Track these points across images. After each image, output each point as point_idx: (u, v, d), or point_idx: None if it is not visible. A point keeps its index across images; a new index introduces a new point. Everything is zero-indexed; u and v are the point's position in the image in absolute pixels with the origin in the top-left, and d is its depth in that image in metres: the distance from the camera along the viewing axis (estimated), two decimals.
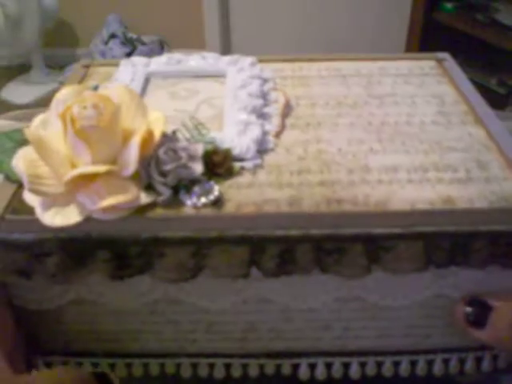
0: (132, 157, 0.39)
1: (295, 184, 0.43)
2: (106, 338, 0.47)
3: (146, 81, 0.55)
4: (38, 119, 0.44)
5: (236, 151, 0.44)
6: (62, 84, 2.22)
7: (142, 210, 0.40)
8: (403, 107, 0.52)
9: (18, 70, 2.42)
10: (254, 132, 0.46)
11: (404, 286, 0.44)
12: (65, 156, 0.41)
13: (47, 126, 0.43)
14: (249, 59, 0.56)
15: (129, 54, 2.31)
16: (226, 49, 2.55)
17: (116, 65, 0.58)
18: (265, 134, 0.47)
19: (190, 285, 0.43)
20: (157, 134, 0.41)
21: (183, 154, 0.41)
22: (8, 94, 2.30)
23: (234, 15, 2.60)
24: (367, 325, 0.47)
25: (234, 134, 0.46)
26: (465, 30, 2.08)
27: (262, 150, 0.46)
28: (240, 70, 0.54)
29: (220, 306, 0.45)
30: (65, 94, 0.43)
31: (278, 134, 0.48)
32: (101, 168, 0.39)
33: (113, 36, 2.36)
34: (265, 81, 0.54)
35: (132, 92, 0.43)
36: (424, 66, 0.59)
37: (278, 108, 0.51)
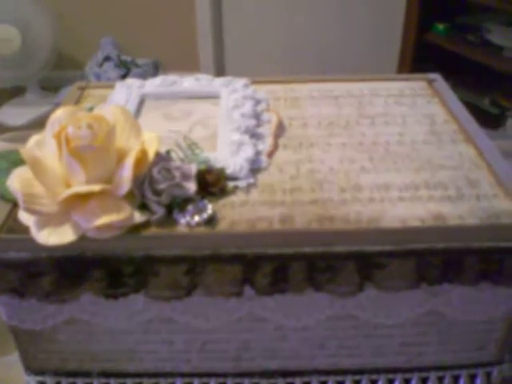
0: (126, 176, 0.40)
1: (288, 202, 0.43)
2: (101, 357, 0.47)
3: (141, 102, 0.56)
4: (34, 139, 0.44)
5: (229, 170, 0.45)
6: (56, 106, 2.22)
7: (136, 228, 0.41)
8: (394, 127, 0.53)
9: (13, 91, 2.41)
10: (247, 152, 0.46)
11: (397, 304, 0.45)
12: (60, 176, 0.41)
13: (42, 147, 0.43)
14: (242, 81, 0.57)
15: (123, 77, 2.32)
16: (219, 71, 2.56)
17: (111, 87, 0.59)
18: (258, 153, 0.48)
19: (183, 304, 0.43)
20: (151, 154, 0.41)
21: (177, 174, 0.41)
22: (2, 115, 2.30)
23: (228, 37, 2.61)
24: (361, 343, 0.47)
25: (228, 154, 0.46)
26: (457, 51, 2.08)
27: (255, 169, 0.46)
28: (233, 91, 0.55)
29: (214, 325, 0.45)
30: (60, 114, 0.44)
31: (270, 154, 0.49)
32: (95, 187, 0.39)
33: (107, 59, 2.37)
34: (258, 102, 0.55)
35: (126, 112, 0.43)
36: (415, 86, 0.60)
37: (271, 128, 0.52)
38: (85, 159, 0.40)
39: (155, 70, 2.43)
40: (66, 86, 2.38)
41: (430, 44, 2.18)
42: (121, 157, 0.41)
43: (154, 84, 0.57)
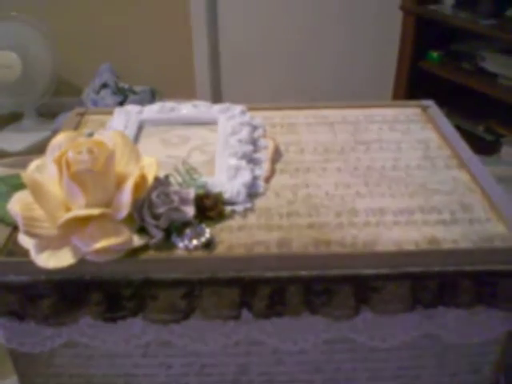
0: (125, 200, 0.40)
1: (285, 226, 0.44)
2: (98, 381, 0.47)
3: (139, 128, 0.57)
4: (34, 164, 0.45)
5: (227, 195, 0.45)
6: (53, 132, 2.24)
7: (135, 252, 0.41)
8: (389, 153, 0.54)
9: (9, 117, 2.42)
10: (245, 177, 0.47)
11: (392, 327, 0.45)
12: (60, 200, 0.42)
13: (43, 171, 0.44)
14: (239, 107, 0.58)
15: (120, 104, 2.34)
16: (216, 98, 2.58)
17: (109, 113, 0.60)
18: (255, 178, 0.48)
19: (181, 327, 0.44)
20: (149, 178, 0.42)
21: (175, 198, 0.42)
22: (0, 141, 2.31)
23: (225, 64, 2.64)
24: (358, 366, 0.48)
25: (225, 179, 0.47)
26: (451, 78, 2.10)
27: (252, 193, 0.47)
28: (230, 118, 0.56)
29: (212, 349, 0.46)
30: (60, 139, 0.44)
31: (267, 179, 0.49)
32: (94, 211, 0.40)
33: (104, 85, 2.38)
34: (255, 128, 0.56)
35: (126, 138, 0.44)
36: (409, 113, 0.61)
37: (268, 154, 0.52)
38: (85, 183, 0.40)
39: (152, 97, 2.45)
40: (63, 112, 2.38)
41: (424, 71, 2.20)
42: (120, 181, 0.42)
43: (152, 110, 0.58)
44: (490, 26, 1.93)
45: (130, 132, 0.55)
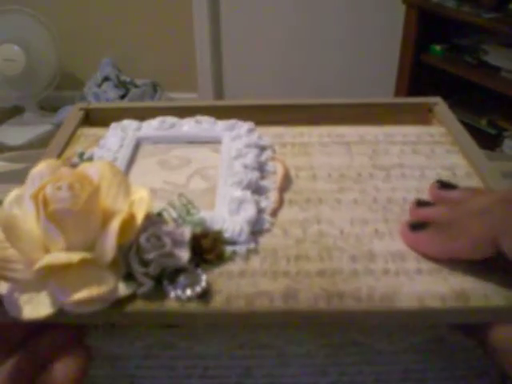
0: (110, 244, 0.35)
1: (292, 273, 0.39)
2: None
3: (136, 146, 0.52)
4: (13, 194, 0.40)
5: (228, 234, 0.40)
6: (55, 126, 2.21)
7: (121, 302, 0.36)
8: (412, 181, 0.48)
9: (11, 111, 2.41)
10: (249, 211, 0.42)
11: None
12: (37, 239, 0.37)
13: (22, 203, 0.39)
14: (246, 125, 0.53)
15: (122, 97, 2.31)
16: (218, 90, 2.55)
17: (112, 110, 0.58)
18: (260, 211, 0.43)
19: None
20: (139, 218, 0.37)
21: (168, 241, 0.37)
22: (1, 135, 2.29)
23: (226, 57, 2.62)
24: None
25: (226, 213, 0.42)
26: (454, 72, 2.11)
27: (256, 230, 0.42)
28: (236, 138, 0.51)
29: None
30: (42, 168, 0.39)
31: (274, 212, 0.44)
32: (74, 257, 0.35)
33: (106, 79, 2.37)
34: (262, 149, 0.51)
35: (115, 169, 0.39)
36: (433, 132, 0.56)
37: (276, 181, 0.47)
38: (64, 224, 0.35)
39: (154, 90, 2.43)
40: (64, 106, 2.37)
41: (427, 65, 2.21)
42: (106, 219, 0.37)
43: (151, 126, 0.53)
44: (493, 19, 1.94)
45: (126, 151, 0.50)
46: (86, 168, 0.39)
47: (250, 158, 0.48)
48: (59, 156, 0.52)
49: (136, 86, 2.36)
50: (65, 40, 2.43)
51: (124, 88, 2.34)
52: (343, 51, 2.60)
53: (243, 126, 0.52)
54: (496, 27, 1.90)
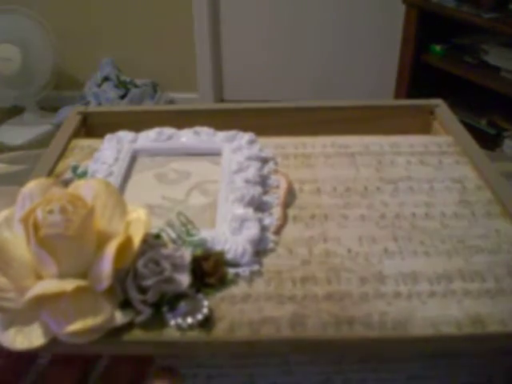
0: (106, 270, 0.33)
1: (298, 297, 0.37)
2: None
3: (132, 159, 0.49)
4: (3, 216, 0.38)
5: (230, 255, 0.38)
6: (55, 126, 2.20)
7: (118, 331, 0.34)
8: (420, 195, 0.46)
9: (11, 111, 2.40)
10: (251, 230, 0.40)
11: None
12: (29, 265, 0.35)
13: (12, 225, 0.37)
14: (247, 136, 0.50)
15: (122, 97, 2.30)
16: (218, 90, 2.54)
17: (112, 114, 0.59)
18: (264, 229, 0.41)
19: None
20: (136, 241, 0.35)
21: (166, 265, 0.34)
22: (1, 135, 2.27)
23: (226, 58, 2.62)
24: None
25: (228, 233, 0.40)
26: (454, 72, 2.12)
27: (260, 250, 0.40)
28: (237, 150, 0.49)
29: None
30: (32, 188, 0.37)
31: (278, 229, 0.42)
32: (67, 285, 0.33)
33: (106, 79, 2.37)
34: (264, 161, 0.49)
35: (110, 187, 0.37)
36: (440, 141, 0.54)
37: (280, 196, 0.45)
38: (56, 249, 0.33)
39: (154, 90, 2.43)
40: (64, 106, 2.36)
41: (427, 65, 2.22)
42: (101, 242, 0.35)
43: (148, 138, 0.51)
44: (493, 19, 1.95)
45: (122, 165, 0.48)
46: (79, 187, 0.37)
47: (252, 171, 0.45)
48: (53, 169, 0.50)
49: (136, 86, 2.36)
50: (65, 40, 2.42)
51: (124, 88, 2.33)
52: (343, 51, 2.59)
53: (244, 137, 0.50)
54: (496, 27, 1.90)
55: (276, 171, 0.48)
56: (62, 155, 0.52)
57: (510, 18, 1.89)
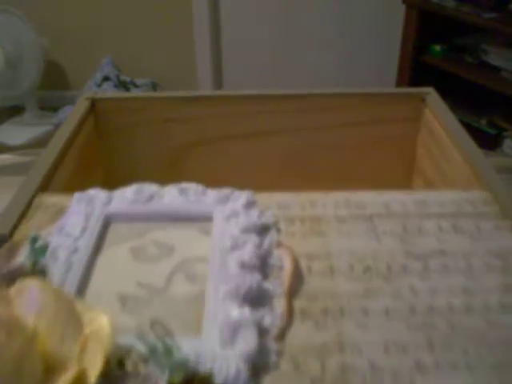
0: None
1: None
2: None
3: (104, 227, 0.41)
4: None
5: (220, 378, 0.29)
6: (56, 126, 2.15)
7: None
8: (457, 277, 0.38)
9: (11, 111, 2.39)
10: (248, 339, 0.31)
11: None
12: None
13: None
14: (243, 196, 0.42)
15: None
16: (217, 90, 2.50)
17: (121, 97, 0.61)
18: (263, 333, 0.32)
19: None
20: (92, 376, 0.26)
21: None
22: (1, 135, 2.23)
23: (226, 58, 2.61)
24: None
25: (217, 344, 0.31)
26: (454, 72, 2.13)
27: (259, 365, 0.31)
28: (231, 216, 0.40)
29: None
30: None
31: (282, 333, 0.33)
32: None
33: (106, 79, 2.34)
34: (264, 230, 0.40)
35: (61, 296, 0.28)
36: (475, 199, 0.45)
37: (283, 282, 0.36)
38: None
39: (154, 90, 2.40)
40: (64, 106, 2.33)
41: (427, 65, 2.25)
42: (47, 374, 0.26)
43: (124, 199, 0.42)
44: (493, 19, 1.97)
45: (91, 237, 0.39)
46: (18, 299, 0.28)
47: (249, 250, 0.37)
48: (13, 230, 0.42)
49: (136, 86, 2.33)
50: (65, 40, 2.41)
51: (124, 88, 2.31)
52: (343, 51, 2.58)
53: (239, 199, 0.41)
54: (496, 27, 1.89)
55: (279, 244, 0.39)
56: (23, 215, 0.43)
57: (510, 18, 1.88)
